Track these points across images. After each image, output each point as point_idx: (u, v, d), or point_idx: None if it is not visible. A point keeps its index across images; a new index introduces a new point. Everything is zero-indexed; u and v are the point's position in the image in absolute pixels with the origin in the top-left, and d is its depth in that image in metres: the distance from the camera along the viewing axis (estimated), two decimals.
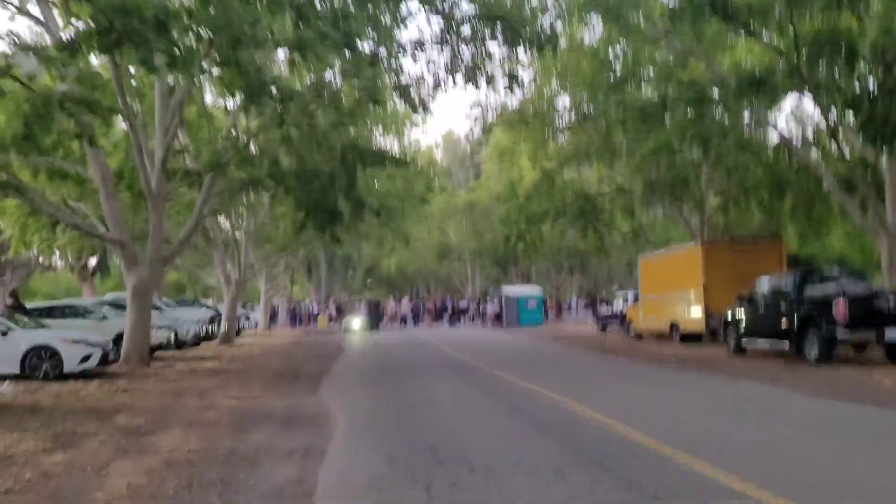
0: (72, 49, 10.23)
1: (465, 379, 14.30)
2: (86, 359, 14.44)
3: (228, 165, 16.96)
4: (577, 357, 19.83)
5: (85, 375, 14.37)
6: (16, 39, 14.75)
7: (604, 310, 33.81)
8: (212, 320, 27.25)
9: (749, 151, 20.32)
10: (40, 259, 47.77)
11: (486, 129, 30.14)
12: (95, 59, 18.51)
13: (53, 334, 14.81)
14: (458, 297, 58.81)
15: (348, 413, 9.93)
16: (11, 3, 15.85)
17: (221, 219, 29.42)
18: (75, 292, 43.52)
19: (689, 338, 22.02)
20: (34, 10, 16.24)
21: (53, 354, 14.15)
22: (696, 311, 21.17)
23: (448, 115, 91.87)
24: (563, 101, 27.85)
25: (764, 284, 17.05)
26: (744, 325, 17.44)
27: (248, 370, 16.73)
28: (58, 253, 38.02)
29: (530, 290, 44.83)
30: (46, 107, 12.20)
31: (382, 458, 6.86)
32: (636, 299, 28.22)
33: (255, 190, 19.67)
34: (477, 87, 19.50)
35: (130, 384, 13.30)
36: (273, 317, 48.52)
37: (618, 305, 31.70)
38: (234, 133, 17.78)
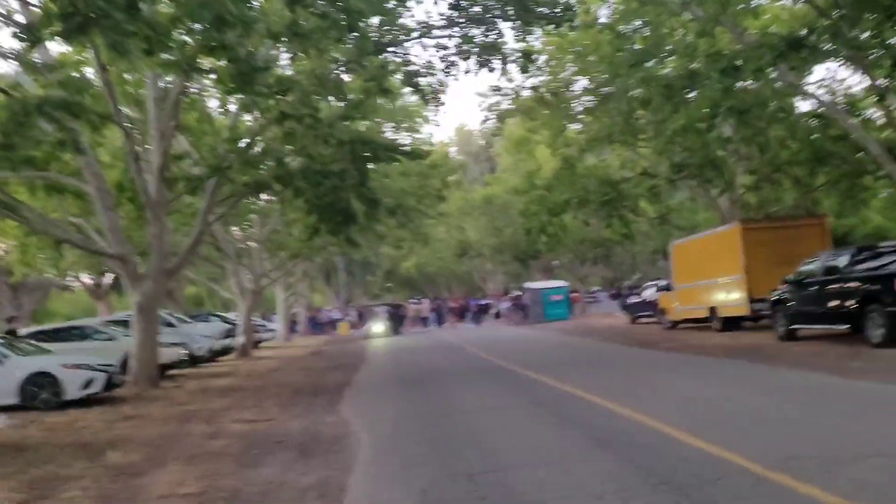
0: (32, 35, 9.15)
1: (499, 384, 13.11)
2: (88, 384, 13.40)
3: (231, 169, 15.86)
4: (616, 352, 18.58)
5: (89, 402, 13.36)
6: None
7: (633, 300, 32.44)
8: (227, 334, 26.23)
9: (785, 122, 18.91)
10: (56, 280, 47.21)
11: (501, 118, 28.96)
12: (90, 71, 17.57)
13: (52, 360, 13.77)
14: (480, 295, 57.64)
15: (372, 433, 8.78)
16: None
17: (233, 229, 28.47)
18: (94, 313, 42.82)
19: (731, 325, 20.69)
20: (20, 18, 15.25)
21: (53, 381, 13.13)
22: (738, 296, 19.82)
23: (459, 109, 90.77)
24: (581, 83, 26.58)
25: (814, 263, 15.73)
26: (794, 308, 16.12)
27: (265, 386, 15.65)
28: (72, 273, 37.29)
29: (555, 284, 43.54)
30: (26, 113, 11.16)
31: (413, 494, 5.70)
32: (669, 288, 26.87)
33: (261, 193, 18.56)
34: (490, 70, 18.32)
35: (135, 409, 12.24)
36: (293, 326, 47.57)
37: (648, 295, 30.33)
38: (235, 134, 16.67)
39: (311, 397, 13.20)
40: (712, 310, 21.51)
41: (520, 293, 52.47)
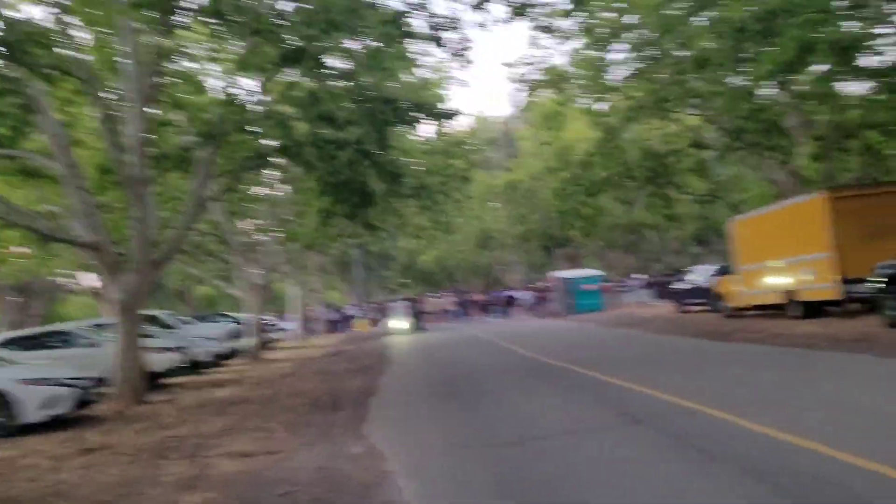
0: None
1: (564, 391, 10.33)
2: (51, 403, 10.75)
3: (225, 137, 13.15)
4: (684, 346, 15.74)
5: (56, 424, 10.72)
6: None
7: (680, 286, 29.46)
8: (235, 335, 23.59)
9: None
10: (62, 281, 44.84)
11: (533, 88, 26.09)
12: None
13: (6, 374, 11.11)
14: (499, 288, 54.73)
15: (419, 480, 6.01)
16: None
17: (240, 223, 25.80)
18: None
19: (812, 311, 17.79)
20: None
21: (4, 402, 10.49)
22: (825, 277, 16.93)
23: (477, 98, 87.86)
24: (622, 45, 23.62)
25: None
26: None
27: (274, 397, 12.95)
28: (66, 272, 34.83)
29: (587, 273, 40.63)
30: None
31: None
32: (724, 271, 23.95)
33: (265, 168, 15.84)
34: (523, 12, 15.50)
35: (105, 436, 9.56)
36: (309, 324, 44.98)
37: (698, 280, 27.38)
38: (230, 96, 13.91)
39: (330, 413, 10.48)
40: (789, 294, 18.61)
41: (547, 284, 49.66)
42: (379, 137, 14.15)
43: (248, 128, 13.24)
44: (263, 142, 14.33)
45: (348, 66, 12.98)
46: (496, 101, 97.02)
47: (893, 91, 17.48)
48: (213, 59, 15.46)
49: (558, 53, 27.96)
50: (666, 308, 32.23)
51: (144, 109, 12.64)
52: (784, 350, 12.81)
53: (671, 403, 8.06)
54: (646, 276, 53.51)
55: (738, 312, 21.94)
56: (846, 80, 16.59)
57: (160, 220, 15.09)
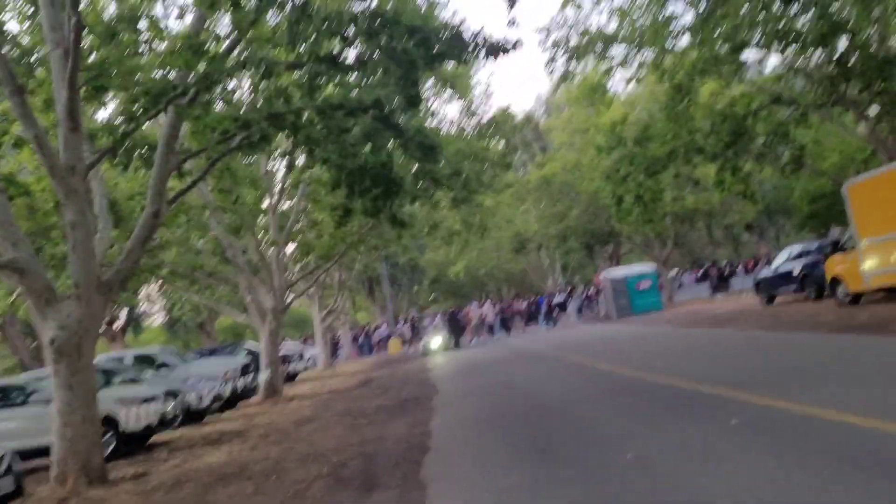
0: None
1: (744, 437, 6.23)
2: None
3: (191, 99, 9.24)
4: (842, 347, 11.49)
5: None
6: None
7: (765, 274, 25.06)
8: (245, 370, 19.67)
9: None
10: None
11: (575, 55, 21.99)
12: None
13: None
14: (541, 294, 50.49)
15: None
16: None
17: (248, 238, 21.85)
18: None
19: None
20: None
21: None
22: None
23: (501, 92, 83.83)
24: None
25: None
26: None
27: (279, 464, 8.96)
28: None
29: (641, 270, 36.32)
30: None
31: None
32: (836, 247, 19.66)
33: (255, 148, 11.87)
34: None
35: None
36: (335, 349, 41.11)
37: (783, 265, 23.05)
38: (194, 42, 9.98)
39: (362, 496, 6.48)
40: None
41: (591, 286, 45.51)
42: (405, 89, 10.16)
43: (218, 83, 9.29)
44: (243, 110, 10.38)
45: None
46: (520, 89, 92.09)
47: None
48: None
49: (596, 13, 23.41)
50: (739, 301, 28.02)
51: (68, 60, 8.73)
52: None
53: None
54: (696, 270, 49.14)
55: (857, 298, 17.68)
56: None
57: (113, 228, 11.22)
